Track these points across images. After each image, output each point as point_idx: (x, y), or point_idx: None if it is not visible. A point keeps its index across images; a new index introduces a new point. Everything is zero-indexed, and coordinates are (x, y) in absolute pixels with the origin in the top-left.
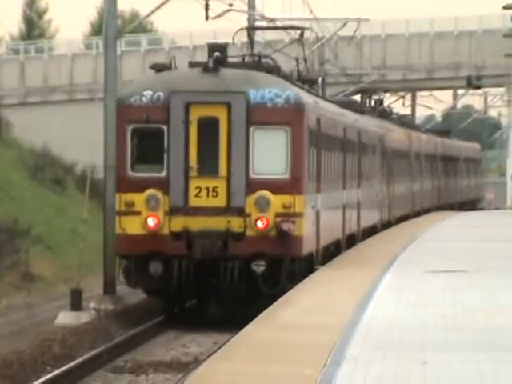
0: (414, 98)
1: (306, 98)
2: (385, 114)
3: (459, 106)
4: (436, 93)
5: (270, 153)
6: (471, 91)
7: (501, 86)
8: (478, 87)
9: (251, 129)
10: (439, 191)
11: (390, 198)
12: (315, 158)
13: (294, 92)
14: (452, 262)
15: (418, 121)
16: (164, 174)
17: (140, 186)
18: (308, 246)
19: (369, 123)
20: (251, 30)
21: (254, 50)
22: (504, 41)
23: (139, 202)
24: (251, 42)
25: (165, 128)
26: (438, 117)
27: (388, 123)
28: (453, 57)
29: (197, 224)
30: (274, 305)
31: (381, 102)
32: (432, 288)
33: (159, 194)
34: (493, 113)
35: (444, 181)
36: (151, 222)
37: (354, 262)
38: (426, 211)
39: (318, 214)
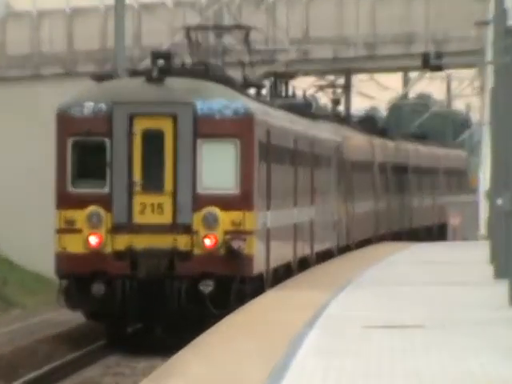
0: (348, 84)
1: (256, 108)
2: (342, 118)
3: (412, 94)
4: (380, 77)
5: (218, 167)
6: (428, 74)
7: (470, 66)
8: (439, 68)
9: (198, 141)
10: (411, 211)
11: (348, 218)
12: (265, 172)
13: (243, 103)
14: (402, 314)
15: (354, 116)
16: (106, 189)
17: (81, 203)
18: (258, 266)
19: (323, 131)
20: (192, 30)
21: (196, 51)
22: (474, 4)
23: (80, 219)
24: (191, 43)
25: (107, 141)
26: (383, 110)
27: (347, 129)
28: (402, 26)
29: (141, 242)
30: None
31: (337, 101)
32: (375, 350)
33: (101, 211)
34: (459, 104)
35: (418, 198)
36: (93, 240)
37: (268, 310)
38: (395, 235)
39: (268, 232)
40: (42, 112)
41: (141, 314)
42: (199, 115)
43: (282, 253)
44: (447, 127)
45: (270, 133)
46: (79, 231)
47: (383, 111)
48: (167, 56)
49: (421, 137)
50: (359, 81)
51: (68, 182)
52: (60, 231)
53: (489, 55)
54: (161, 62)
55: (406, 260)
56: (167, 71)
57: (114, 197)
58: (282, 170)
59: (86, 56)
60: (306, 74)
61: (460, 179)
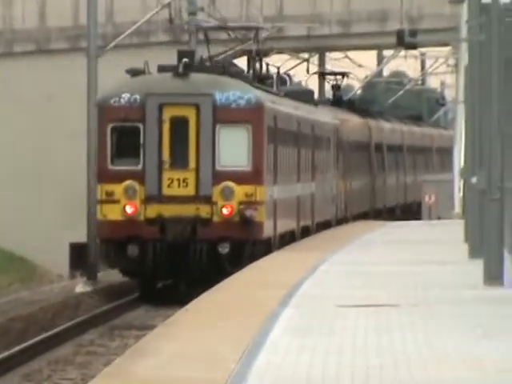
0: (322, 62)
1: (265, 98)
2: (342, 102)
3: (386, 72)
4: (354, 54)
5: (233, 148)
6: (403, 52)
7: (445, 44)
8: (413, 46)
9: (217, 127)
10: (405, 188)
11: (346, 193)
12: (273, 152)
13: (254, 94)
14: (377, 293)
15: (328, 94)
16: (140, 167)
17: (119, 178)
18: (267, 231)
19: (323, 115)
20: (208, 30)
21: (209, 50)
22: None
23: (118, 191)
24: (208, 42)
25: (141, 126)
26: (357, 88)
27: (345, 112)
28: (377, 4)
29: (169, 211)
30: (128, 353)
31: (338, 86)
32: (349, 329)
33: (136, 185)
34: (433, 83)
35: (413, 176)
36: (129, 209)
37: (241, 285)
38: (389, 210)
39: (275, 203)
40: (14, 89)
41: (169, 271)
42: (218, 105)
43: (287, 221)
44: (422, 105)
45: (276, 118)
46: (117, 202)
47: (357, 89)
48: (191, 54)
49: (416, 118)
50: (333, 59)
51: (108, 160)
52: (101, 202)
53: (463, 33)
54: (185, 60)
55: (381, 239)
56: (191, 67)
57: (146, 173)
58: (287, 150)
59: (58, 33)
60: (280, 51)
61: (445, 158)
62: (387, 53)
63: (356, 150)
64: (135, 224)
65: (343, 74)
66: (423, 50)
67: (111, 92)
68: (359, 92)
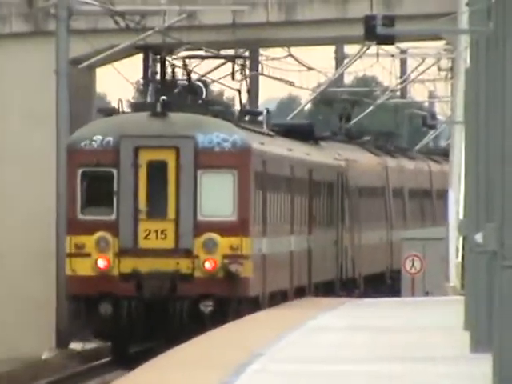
0: (255, 63)
1: (252, 140)
2: (352, 135)
3: (349, 79)
4: (301, 52)
5: (217, 196)
6: (374, 49)
7: (436, 38)
8: (389, 40)
9: (199, 172)
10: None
11: (354, 248)
12: (261, 200)
13: (240, 136)
14: None
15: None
16: (114, 216)
17: (90, 229)
18: (255, 289)
19: (325, 155)
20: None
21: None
22: None
23: (89, 244)
24: (188, 72)
25: (114, 171)
26: (305, 102)
27: (355, 149)
28: None
29: (146, 265)
30: None
31: (347, 117)
32: None
33: (109, 236)
34: (419, 94)
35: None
36: (101, 263)
37: None
38: None
39: (263, 258)
40: None
41: (145, 332)
42: (200, 148)
43: (278, 278)
44: (401, 126)
45: (266, 162)
46: (88, 255)
47: (304, 103)
48: (170, 90)
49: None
50: (270, 58)
51: (77, 209)
52: (70, 255)
53: (463, 21)
54: (163, 97)
55: (339, 324)
56: (169, 106)
57: (120, 223)
58: (279, 197)
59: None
60: (192, 47)
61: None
62: (350, 50)
63: (368, 197)
64: (108, 280)
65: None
66: (403, 45)
67: (82, 134)
68: (308, 107)
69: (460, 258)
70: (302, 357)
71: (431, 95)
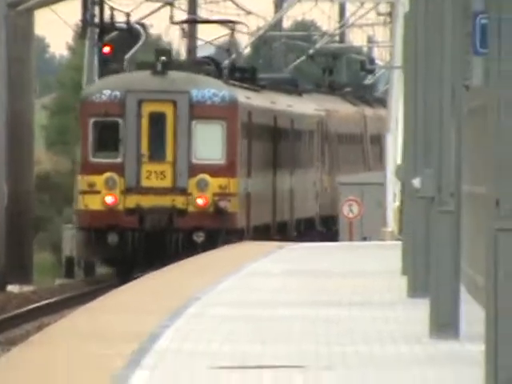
0: (192, 7)
1: (239, 95)
2: (334, 87)
3: (288, 23)
4: None
5: (208, 142)
6: None
7: None
8: None
9: (193, 122)
10: None
11: (333, 189)
12: (247, 146)
13: (229, 91)
14: (271, 348)
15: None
16: (120, 159)
17: (100, 170)
18: (240, 222)
19: (306, 106)
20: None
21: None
22: None
23: (99, 182)
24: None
25: (121, 121)
26: (244, 45)
27: (336, 101)
28: None
29: (147, 201)
30: None
31: (330, 70)
32: None
33: (116, 176)
34: (358, 39)
35: None
36: (109, 199)
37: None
38: None
39: (248, 195)
40: None
41: (146, 259)
42: (194, 102)
43: (262, 214)
44: (339, 71)
45: (251, 114)
46: (98, 192)
47: (244, 49)
48: (168, 53)
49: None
50: (208, 1)
51: (89, 153)
52: (83, 192)
53: None
54: (163, 58)
55: (277, 269)
56: (168, 66)
57: (125, 165)
58: (263, 144)
59: None
60: None
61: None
62: None
63: (347, 143)
64: (115, 214)
65: (230, 22)
66: None
67: (93, 89)
68: (247, 51)
69: (398, 203)
70: (239, 301)
71: (370, 40)
